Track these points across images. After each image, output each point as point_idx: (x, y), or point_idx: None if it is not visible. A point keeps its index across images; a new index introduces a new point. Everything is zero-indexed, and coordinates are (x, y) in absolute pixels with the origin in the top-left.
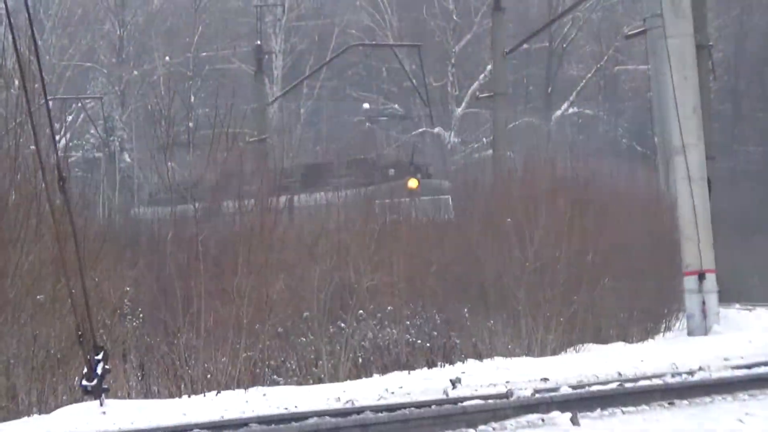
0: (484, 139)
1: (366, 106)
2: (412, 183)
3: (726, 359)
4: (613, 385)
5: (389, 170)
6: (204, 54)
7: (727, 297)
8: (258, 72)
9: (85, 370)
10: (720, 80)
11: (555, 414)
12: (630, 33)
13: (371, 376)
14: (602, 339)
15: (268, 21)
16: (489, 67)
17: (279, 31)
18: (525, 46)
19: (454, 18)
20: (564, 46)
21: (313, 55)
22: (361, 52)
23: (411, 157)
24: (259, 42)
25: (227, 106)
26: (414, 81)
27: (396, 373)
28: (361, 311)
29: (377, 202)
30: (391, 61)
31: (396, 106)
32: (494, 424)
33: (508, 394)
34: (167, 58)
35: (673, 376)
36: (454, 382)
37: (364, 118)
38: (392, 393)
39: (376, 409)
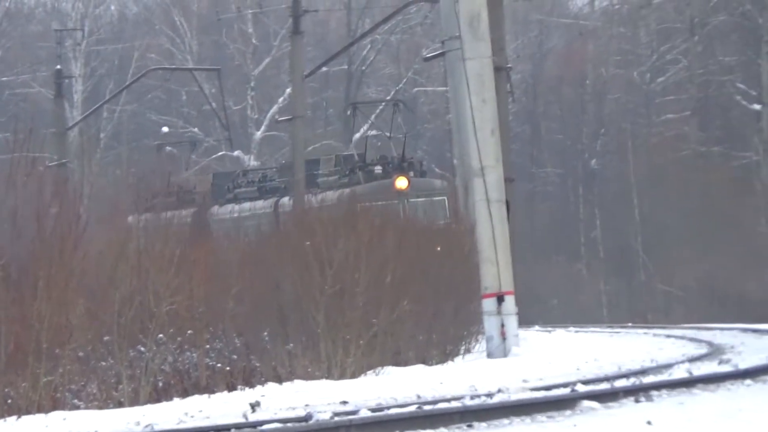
0: (283, 161)
1: (165, 129)
2: (401, 182)
3: (525, 381)
4: (412, 408)
5: (375, 168)
6: (4, 78)
7: (526, 319)
8: (58, 96)
9: None
10: (518, 102)
11: None
12: (428, 55)
13: (171, 399)
14: (402, 361)
15: (68, 45)
16: (288, 90)
17: (79, 55)
18: (324, 68)
19: (254, 41)
20: (363, 68)
21: (113, 79)
22: (161, 75)
23: (402, 151)
24: (59, 66)
25: (27, 130)
26: (213, 104)
27: (196, 396)
28: (161, 335)
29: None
30: (190, 84)
31: (195, 129)
32: None
33: (306, 417)
34: None
35: (472, 398)
36: (254, 406)
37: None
38: (192, 417)
39: None
